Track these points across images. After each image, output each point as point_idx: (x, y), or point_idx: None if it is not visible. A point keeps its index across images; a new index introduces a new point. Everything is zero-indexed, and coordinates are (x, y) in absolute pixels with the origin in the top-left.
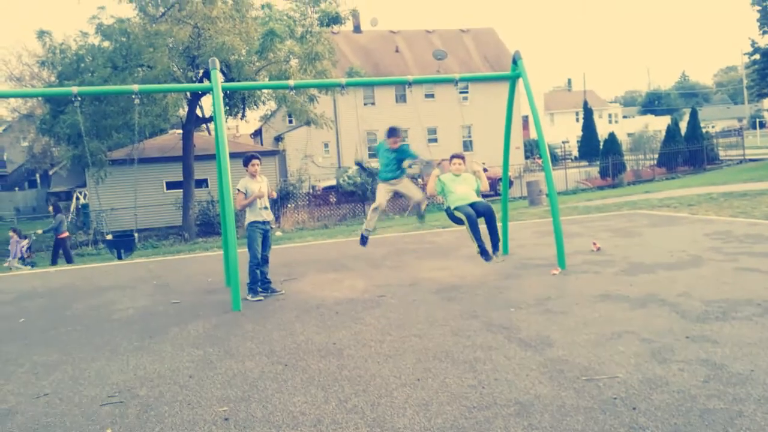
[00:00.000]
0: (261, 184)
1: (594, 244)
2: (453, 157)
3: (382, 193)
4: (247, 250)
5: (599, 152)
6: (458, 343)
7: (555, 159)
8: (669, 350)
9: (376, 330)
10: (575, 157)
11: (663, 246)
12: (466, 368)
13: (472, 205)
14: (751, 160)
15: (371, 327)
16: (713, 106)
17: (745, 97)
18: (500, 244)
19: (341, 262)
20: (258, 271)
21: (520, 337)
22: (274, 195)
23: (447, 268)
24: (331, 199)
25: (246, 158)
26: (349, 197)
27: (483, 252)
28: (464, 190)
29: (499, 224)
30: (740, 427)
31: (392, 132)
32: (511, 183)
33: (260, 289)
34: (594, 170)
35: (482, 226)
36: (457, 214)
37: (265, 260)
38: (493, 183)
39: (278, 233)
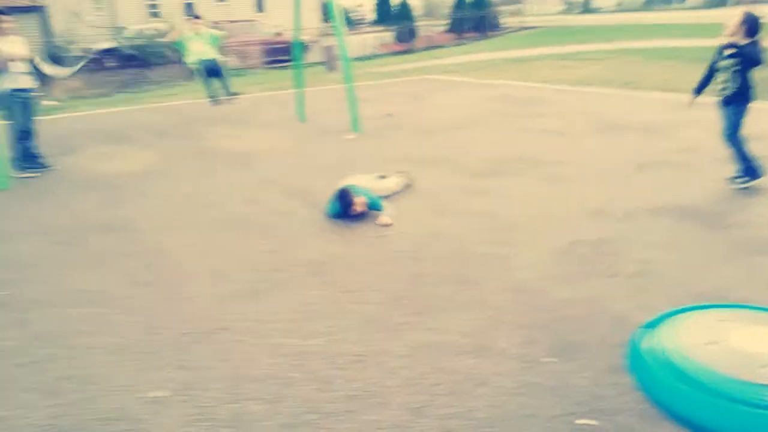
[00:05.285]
0: (13, 44)
1: (386, 110)
2: (194, 17)
3: None
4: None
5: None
6: (254, 210)
7: (350, 23)
8: (451, 203)
9: (163, 203)
10: (373, 21)
11: (449, 109)
12: (262, 234)
13: (206, 63)
14: (527, 28)
15: (157, 200)
16: None
17: None
18: (228, 91)
19: (123, 132)
20: (24, 146)
21: (316, 200)
22: (31, 56)
23: (239, 137)
24: (109, 65)
25: None
26: (129, 61)
27: (212, 98)
28: (200, 47)
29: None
30: (510, 266)
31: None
32: (307, 47)
33: (28, 166)
34: (389, 35)
35: None
36: (193, 66)
37: (28, 133)
38: (287, 48)
39: (52, 102)
